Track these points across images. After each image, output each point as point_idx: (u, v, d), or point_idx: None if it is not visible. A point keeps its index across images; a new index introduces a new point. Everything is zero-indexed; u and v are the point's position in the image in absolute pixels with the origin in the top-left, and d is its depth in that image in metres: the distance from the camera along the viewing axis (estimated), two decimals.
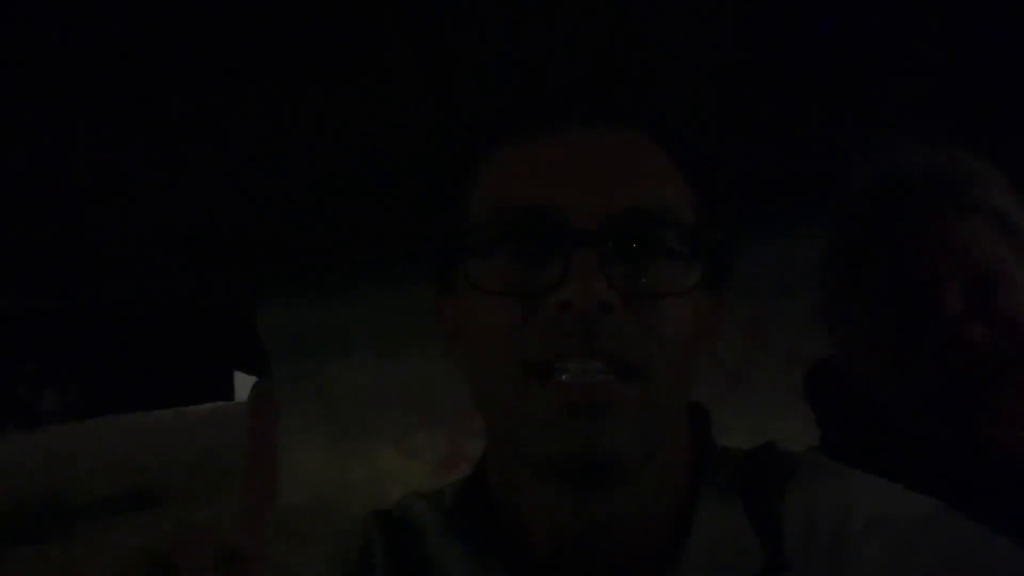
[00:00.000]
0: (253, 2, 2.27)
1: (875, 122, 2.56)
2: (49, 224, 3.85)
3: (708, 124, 2.42)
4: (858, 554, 0.58)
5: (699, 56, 2.32)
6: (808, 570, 0.59)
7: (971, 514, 0.61)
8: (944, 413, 0.87)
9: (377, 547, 0.67)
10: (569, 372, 0.55)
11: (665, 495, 0.62)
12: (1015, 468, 0.85)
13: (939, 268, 0.87)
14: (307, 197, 3.68)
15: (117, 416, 10.51)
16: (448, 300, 0.65)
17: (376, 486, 3.64)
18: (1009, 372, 0.85)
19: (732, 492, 0.63)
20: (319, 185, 3.55)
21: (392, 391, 4.64)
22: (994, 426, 0.86)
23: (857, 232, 0.95)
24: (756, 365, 2.79)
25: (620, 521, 0.60)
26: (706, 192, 0.63)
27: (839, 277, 0.98)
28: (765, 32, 2.29)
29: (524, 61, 2.40)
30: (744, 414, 2.82)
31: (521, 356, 0.57)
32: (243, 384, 11.41)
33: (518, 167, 0.61)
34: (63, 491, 5.75)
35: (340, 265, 4.63)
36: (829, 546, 0.59)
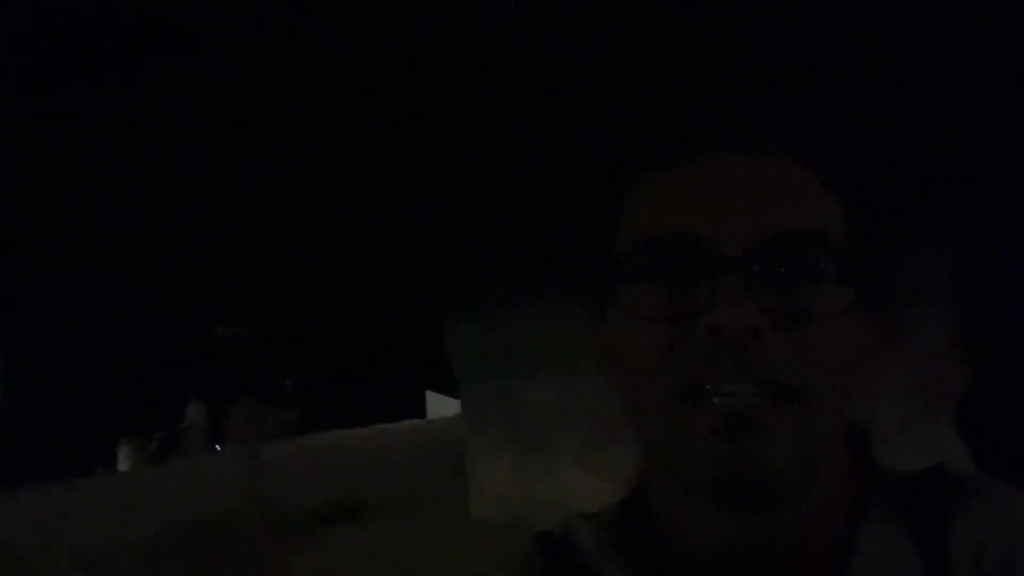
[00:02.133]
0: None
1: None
2: (268, 261, 4.24)
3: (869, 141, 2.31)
4: None
5: (873, 78, 2.23)
6: None
7: None
8: None
9: (539, 568, 0.67)
10: (720, 396, 0.55)
11: (825, 517, 0.61)
12: None
13: None
14: (489, 218, 3.81)
15: (323, 434, 11.29)
16: (601, 324, 0.66)
17: (561, 503, 3.66)
18: None
19: (897, 515, 0.61)
20: (501, 206, 3.66)
21: (576, 409, 4.68)
22: None
23: (992, 243, 0.92)
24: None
25: (779, 541, 0.59)
26: (857, 212, 0.62)
27: (977, 292, 0.93)
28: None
29: (675, 86, 2.39)
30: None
31: (672, 381, 0.57)
32: (434, 403, 11.94)
33: (664, 194, 0.61)
34: (277, 502, 6.23)
35: (523, 286, 4.75)
36: (1001, 572, 0.56)
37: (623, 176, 0.66)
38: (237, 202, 3.52)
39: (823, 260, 0.58)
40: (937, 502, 0.62)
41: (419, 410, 12.86)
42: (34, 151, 2.99)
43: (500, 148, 3.08)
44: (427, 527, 5.53)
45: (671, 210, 0.60)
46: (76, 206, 3.51)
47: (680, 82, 2.40)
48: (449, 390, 7.08)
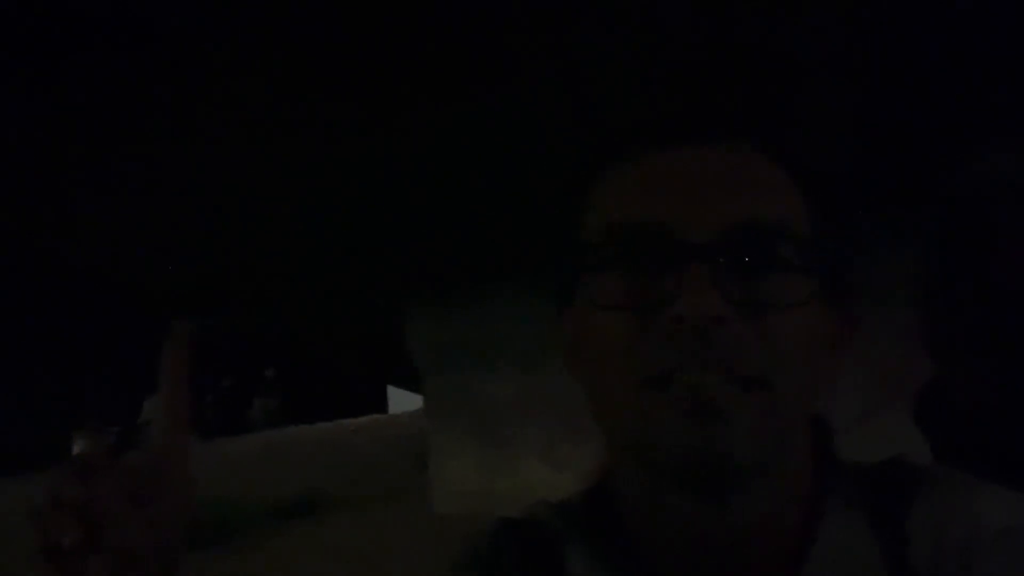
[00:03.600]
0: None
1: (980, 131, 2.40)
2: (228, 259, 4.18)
3: (825, 135, 2.34)
4: (990, 566, 0.57)
5: (820, 68, 2.26)
6: None
7: None
8: None
9: (508, 552, 0.68)
10: (685, 383, 0.55)
11: (787, 506, 0.62)
12: None
13: None
14: (451, 212, 3.80)
15: (283, 429, 11.16)
16: (568, 314, 0.66)
17: (523, 497, 3.66)
18: None
19: (857, 505, 0.62)
20: (462, 199, 3.65)
21: (538, 403, 4.70)
22: None
23: (955, 236, 0.93)
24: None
25: (742, 529, 0.60)
26: (821, 203, 0.63)
27: (938, 286, 0.95)
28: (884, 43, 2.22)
29: (642, 77, 2.41)
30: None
31: (639, 369, 0.57)
32: (396, 398, 11.88)
33: (631, 184, 0.62)
34: (236, 499, 6.15)
35: (485, 280, 4.75)
36: (958, 561, 0.58)
37: (591, 166, 0.66)
38: (194, 193, 3.47)
39: (787, 250, 0.59)
40: (896, 493, 0.63)
41: (381, 405, 12.80)
42: None
43: (462, 140, 3.07)
44: (389, 522, 5.51)
45: (641, 199, 0.60)
46: (37, 199, 3.44)
47: (646, 74, 2.42)
48: (411, 385, 7.05)
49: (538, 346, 4.49)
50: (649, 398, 0.57)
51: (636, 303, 0.58)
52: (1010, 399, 0.85)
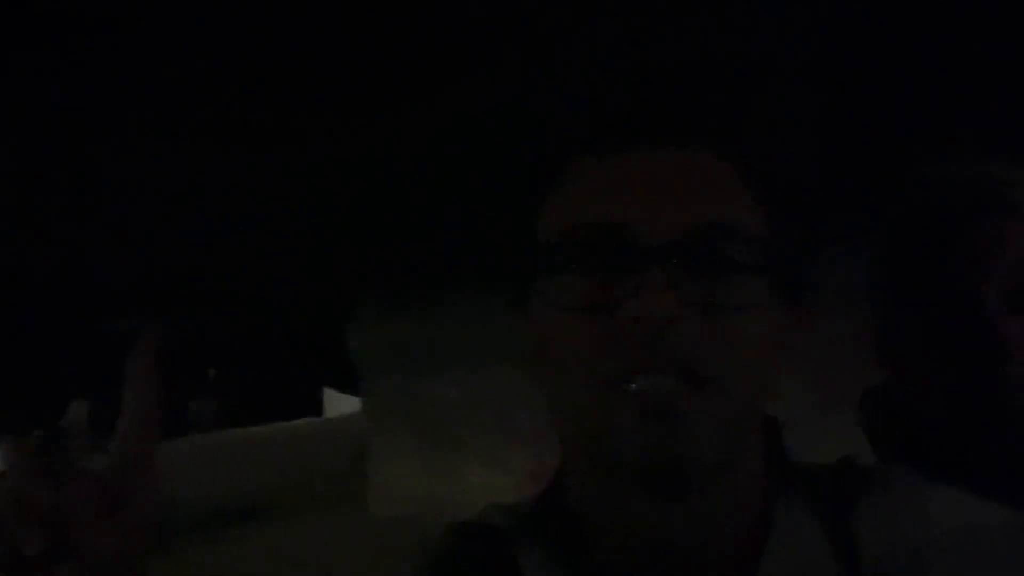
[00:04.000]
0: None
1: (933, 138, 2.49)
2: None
3: (780, 140, 2.38)
4: (940, 566, 0.58)
5: (771, 73, 2.30)
6: None
7: None
8: (996, 426, 0.85)
9: (463, 557, 0.68)
10: (640, 383, 0.56)
11: (740, 507, 0.63)
12: None
13: (982, 270, 0.87)
14: (397, 210, 3.75)
15: (217, 432, 10.93)
16: (524, 316, 0.66)
17: (463, 501, 3.65)
18: None
19: (808, 506, 0.64)
20: (409, 199, 3.61)
21: (480, 407, 4.68)
22: None
23: (904, 242, 0.95)
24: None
25: (696, 531, 0.61)
26: (778, 207, 0.64)
27: (888, 292, 0.96)
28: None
29: (596, 80, 2.41)
30: None
31: (598, 370, 0.58)
32: (332, 401, 11.73)
33: (592, 185, 0.62)
34: (175, 503, 6.00)
35: (432, 280, 4.70)
36: (910, 559, 0.59)
37: (550, 167, 0.66)
38: (130, 192, 3.36)
39: (743, 253, 0.60)
40: (848, 493, 0.64)
41: (315, 408, 12.62)
42: None
43: (410, 139, 3.04)
44: (326, 526, 5.44)
45: (602, 201, 0.61)
46: None
47: (609, 75, 2.42)
48: (347, 387, 6.97)
49: (482, 347, 4.46)
50: (607, 399, 0.57)
51: (594, 304, 0.59)
52: (957, 405, 0.87)
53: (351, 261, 4.44)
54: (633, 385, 0.56)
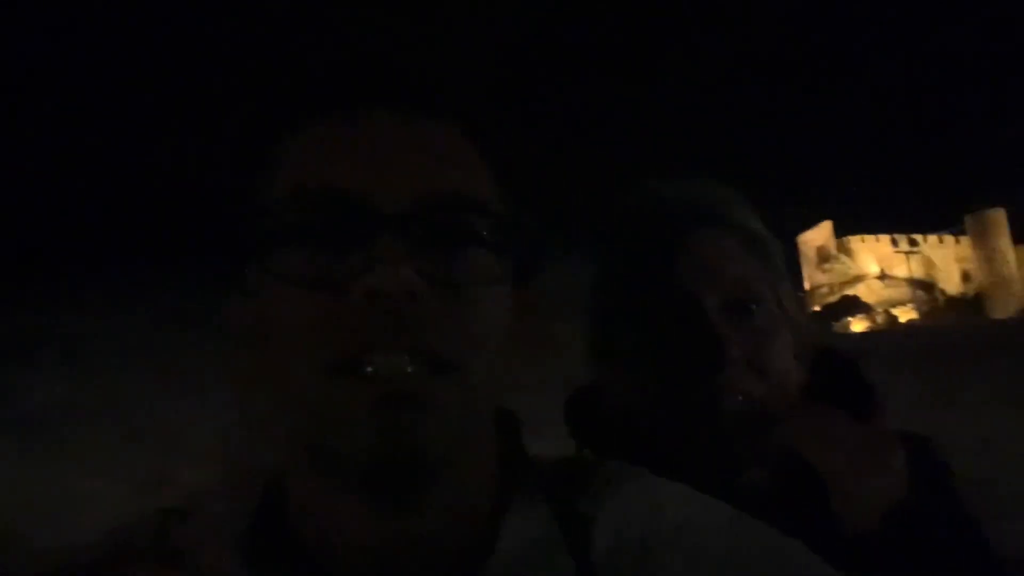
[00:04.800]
0: None
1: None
2: None
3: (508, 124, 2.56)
4: (667, 558, 0.59)
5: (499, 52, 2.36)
6: (618, 574, 0.58)
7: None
8: (708, 425, 0.91)
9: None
10: (376, 366, 0.52)
11: (473, 501, 0.60)
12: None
13: (698, 283, 0.92)
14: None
15: None
16: (238, 298, 0.60)
17: (71, 510, 3.40)
18: (769, 395, 0.91)
19: (541, 499, 0.62)
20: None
21: (90, 404, 4.26)
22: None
23: (621, 257, 0.98)
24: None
25: (426, 533, 0.57)
26: (511, 188, 0.64)
27: (607, 303, 0.99)
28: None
29: (326, 42, 2.36)
30: None
31: (327, 353, 0.53)
32: None
33: (319, 148, 0.57)
34: None
35: (34, 263, 4.14)
36: (639, 551, 0.60)
37: (272, 129, 0.61)
38: None
39: (480, 225, 0.58)
40: (577, 485, 0.64)
41: None
42: None
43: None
44: None
45: (329, 164, 0.56)
46: None
47: (347, 32, 2.31)
48: None
49: (95, 341, 4.07)
50: (336, 385, 0.53)
51: (323, 278, 0.54)
52: (672, 407, 0.91)
53: None
54: (368, 368, 0.52)
